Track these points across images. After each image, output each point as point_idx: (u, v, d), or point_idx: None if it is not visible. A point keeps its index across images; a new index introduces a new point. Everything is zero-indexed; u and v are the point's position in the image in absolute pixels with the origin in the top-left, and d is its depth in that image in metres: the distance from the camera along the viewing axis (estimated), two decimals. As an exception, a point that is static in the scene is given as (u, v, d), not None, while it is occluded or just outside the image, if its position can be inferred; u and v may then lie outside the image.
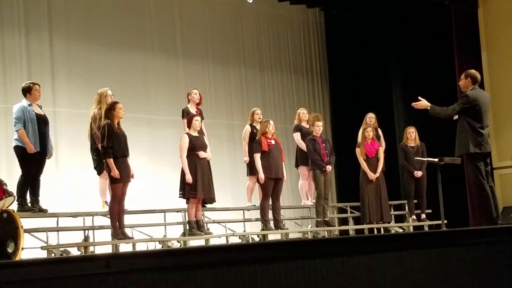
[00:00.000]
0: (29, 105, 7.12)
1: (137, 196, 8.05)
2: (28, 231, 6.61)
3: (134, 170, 7.28)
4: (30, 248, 6.54)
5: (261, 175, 8.25)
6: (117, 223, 7.01)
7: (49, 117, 7.48)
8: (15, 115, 7.06)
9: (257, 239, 8.39)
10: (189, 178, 7.53)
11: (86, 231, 7.28)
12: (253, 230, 8.80)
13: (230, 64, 11.39)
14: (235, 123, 11.09)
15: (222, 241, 8.24)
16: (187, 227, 7.77)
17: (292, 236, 9.09)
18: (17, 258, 5.80)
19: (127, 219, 7.38)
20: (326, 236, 8.96)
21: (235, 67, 11.47)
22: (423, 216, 9.73)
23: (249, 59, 11.69)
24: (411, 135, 9.72)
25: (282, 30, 12.25)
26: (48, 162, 7.41)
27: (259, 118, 8.85)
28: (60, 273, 2.47)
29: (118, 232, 7.00)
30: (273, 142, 8.44)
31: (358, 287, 3.15)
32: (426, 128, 9.76)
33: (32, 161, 7.04)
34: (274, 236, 8.55)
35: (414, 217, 9.78)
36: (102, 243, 7.31)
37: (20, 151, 7.04)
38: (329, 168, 8.92)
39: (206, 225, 8.13)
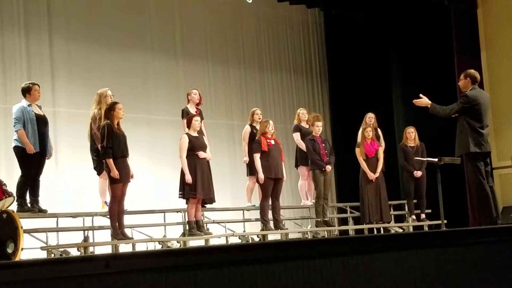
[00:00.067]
0: (28, 105, 7.11)
1: (136, 196, 8.03)
2: (28, 231, 6.60)
3: (134, 170, 7.28)
4: (30, 249, 6.53)
5: (261, 175, 8.25)
6: (117, 224, 7.01)
7: (48, 117, 7.47)
8: (14, 115, 7.05)
9: (257, 239, 8.38)
10: (188, 178, 7.52)
11: (86, 232, 7.27)
12: (253, 230, 8.79)
13: (230, 64, 11.38)
14: (234, 123, 11.08)
15: (222, 241, 8.23)
16: (187, 227, 7.77)
17: (292, 236, 9.08)
18: (17, 259, 5.80)
19: (127, 220, 7.37)
20: (326, 236, 8.95)
21: (235, 67, 11.46)
22: (423, 216, 9.72)
23: (248, 59, 11.68)
24: (411, 135, 9.71)
25: (281, 30, 12.25)
26: (48, 163, 7.40)
27: (259, 118, 8.84)
28: (59, 274, 2.48)
29: (118, 232, 7.00)
30: (272, 142, 8.43)
31: (358, 287, 3.15)
32: (425, 128, 9.76)
33: (31, 162, 7.03)
34: (274, 236, 8.55)
35: (413, 217, 9.77)
36: (102, 244, 7.30)
37: (20, 152, 7.03)
38: (328, 168, 8.92)
39: (206, 225, 8.12)
